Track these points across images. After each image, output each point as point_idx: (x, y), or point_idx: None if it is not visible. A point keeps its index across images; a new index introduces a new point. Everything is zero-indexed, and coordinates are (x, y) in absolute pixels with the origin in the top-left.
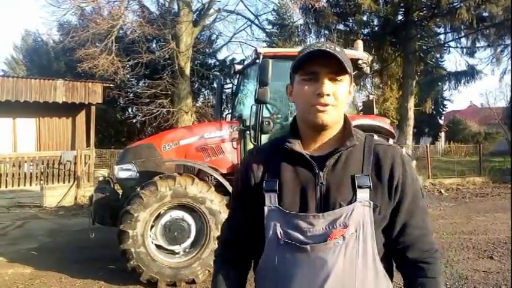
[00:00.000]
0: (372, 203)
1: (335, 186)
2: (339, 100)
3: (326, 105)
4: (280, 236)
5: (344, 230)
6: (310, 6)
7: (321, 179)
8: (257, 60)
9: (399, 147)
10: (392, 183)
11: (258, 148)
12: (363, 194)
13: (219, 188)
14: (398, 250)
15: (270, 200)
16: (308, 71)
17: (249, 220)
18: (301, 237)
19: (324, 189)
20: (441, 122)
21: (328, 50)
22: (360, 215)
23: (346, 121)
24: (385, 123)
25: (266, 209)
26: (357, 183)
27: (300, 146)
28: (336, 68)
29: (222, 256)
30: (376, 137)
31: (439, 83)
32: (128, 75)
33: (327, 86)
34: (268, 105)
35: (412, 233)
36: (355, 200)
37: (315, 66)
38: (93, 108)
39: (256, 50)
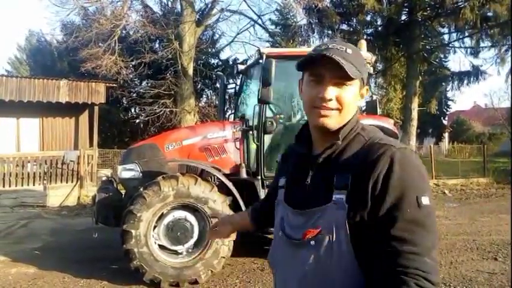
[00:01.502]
0: (347, 205)
1: (316, 186)
2: (343, 104)
3: (328, 109)
4: (280, 229)
5: (315, 231)
6: (313, 6)
7: (308, 178)
8: (260, 60)
9: (402, 147)
10: (368, 184)
11: (287, 146)
12: (339, 196)
13: (222, 188)
14: (378, 262)
15: (280, 195)
16: (314, 72)
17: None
18: (289, 231)
19: (308, 188)
20: (445, 122)
21: (331, 55)
22: (332, 217)
23: (351, 120)
24: (388, 123)
25: (276, 203)
26: (334, 184)
27: (303, 147)
28: (341, 73)
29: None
30: (380, 135)
31: (443, 83)
32: (131, 75)
33: (330, 90)
34: (271, 106)
35: (391, 245)
36: (330, 201)
37: (321, 68)
38: (96, 108)
39: (259, 50)
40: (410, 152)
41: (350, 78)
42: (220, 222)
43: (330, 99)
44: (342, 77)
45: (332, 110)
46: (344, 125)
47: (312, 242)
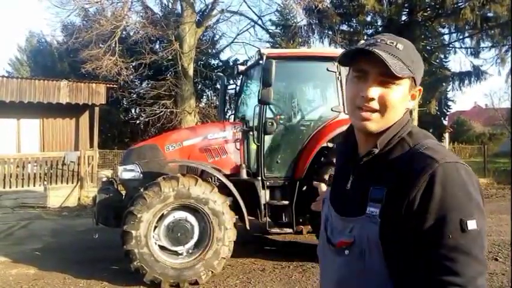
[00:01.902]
0: (379, 220)
1: (353, 195)
2: (387, 106)
3: (370, 111)
4: (323, 226)
5: (349, 241)
6: (313, 6)
7: (349, 184)
8: (260, 61)
9: (446, 161)
10: (403, 203)
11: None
12: (373, 209)
13: (222, 189)
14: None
15: (327, 194)
16: (357, 67)
17: None
18: (330, 235)
19: (348, 195)
20: (445, 122)
21: (375, 51)
22: (365, 230)
23: (397, 123)
24: None
25: (324, 200)
26: (369, 196)
27: (348, 147)
28: (387, 70)
29: None
30: (428, 142)
31: (443, 84)
32: (131, 76)
33: (373, 89)
34: (272, 106)
35: (429, 273)
36: (364, 214)
37: (365, 64)
38: (96, 109)
39: (259, 50)
40: (457, 167)
41: (397, 77)
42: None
43: (372, 99)
44: (387, 75)
45: (374, 112)
46: (386, 130)
47: (346, 252)
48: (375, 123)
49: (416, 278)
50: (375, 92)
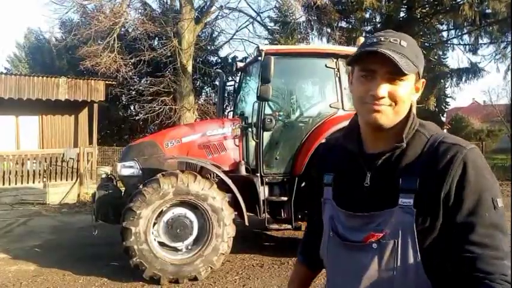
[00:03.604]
0: (415, 210)
1: (378, 188)
2: (398, 101)
3: (381, 104)
4: (330, 229)
5: (379, 235)
6: (312, 3)
7: (367, 180)
8: (259, 58)
9: (471, 147)
10: (441, 189)
11: (324, 142)
12: (406, 200)
13: (221, 185)
14: (456, 269)
15: (327, 193)
16: (365, 67)
17: (315, 212)
18: (344, 233)
19: (368, 190)
20: (444, 119)
21: (384, 51)
22: (399, 221)
23: (409, 117)
24: None
25: (322, 201)
26: (400, 186)
27: (355, 144)
28: (395, 68)
29: (300, 250)
30: (442, 132)
31: (442, 80)
32: (130, 73)
33: (382, 88)
34: (270, 103)
35: (471, 251)
36: (396, 205)
37: (372, 63)
38: (95, 105)
39: (258, 47)
40: (478, 152)
41: (404, 74)
42: None
43: (383, 97)
44: (395, 73)
45: (385, 105)
46: (404, 124)
47: (374, 245)
48: (386, 116)
49: (456, 258)
50: (384, 90)
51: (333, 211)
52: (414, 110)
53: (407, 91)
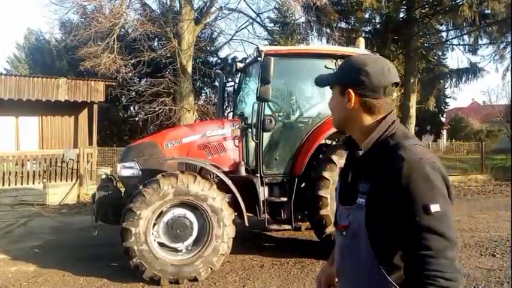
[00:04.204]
0: (365, 209)
1: (349, 187)
2: (331, 109)
3: None
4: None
5: (345, 224)
6: (312, 4)
7: (349, 178)
8: (259, 58)
9: (416, 158)
10: (385, 195)
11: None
12: (362, 200)
13: (221, 186)
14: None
15: (337, 185)
16: None
17: None
18: (337, 219)
19: (348, 187)
20: (443, 119)
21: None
22: (356, 217)
23: (377, 126)
24: None
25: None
26: (358, 188)
27: (350, 145)
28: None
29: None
30: (405, 142)
31: (441, 81)
32: (130, 74)
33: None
34: (270, 103)
35: (408, 250)
36: (354, 203)
37: None
38: (95, 106)
39: (258, 48)
40: (422, 163)
41: (327, 85)
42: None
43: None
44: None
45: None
46: (370, 133)
47: (344, 233)
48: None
49: (399, 256)
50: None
51: (337, 200)
52: (413, 114)
53: (335, 101)
